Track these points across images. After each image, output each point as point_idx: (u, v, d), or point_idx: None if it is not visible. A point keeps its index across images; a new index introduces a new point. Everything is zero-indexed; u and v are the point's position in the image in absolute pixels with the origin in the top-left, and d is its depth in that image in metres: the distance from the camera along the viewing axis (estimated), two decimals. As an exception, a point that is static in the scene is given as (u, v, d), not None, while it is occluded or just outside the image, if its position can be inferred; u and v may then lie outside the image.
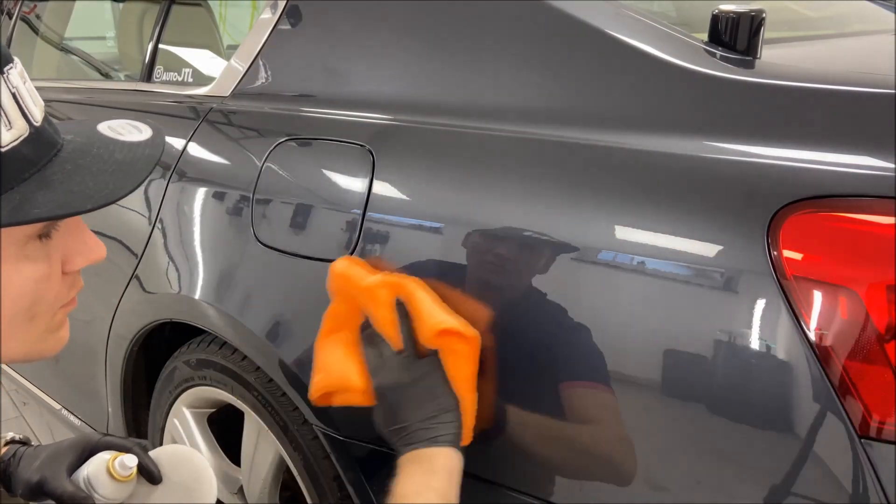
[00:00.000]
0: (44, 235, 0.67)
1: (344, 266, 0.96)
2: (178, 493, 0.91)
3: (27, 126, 0.63)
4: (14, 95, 0.62)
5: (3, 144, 0.61)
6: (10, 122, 0.61)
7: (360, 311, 0.96)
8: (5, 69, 0.62)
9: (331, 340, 0.98)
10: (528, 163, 0.92)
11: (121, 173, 0.67)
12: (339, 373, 0.94)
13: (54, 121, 0.69)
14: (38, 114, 0.65)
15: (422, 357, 0.90)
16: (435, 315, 0.88)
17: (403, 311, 0.90)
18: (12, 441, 0.98)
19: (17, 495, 0.91)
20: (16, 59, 0.66)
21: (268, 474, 1.26)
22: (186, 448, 0.99)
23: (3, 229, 0.62)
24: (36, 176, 0.63)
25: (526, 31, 0.99)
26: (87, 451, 0.91)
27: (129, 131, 0.72)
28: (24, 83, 0.65)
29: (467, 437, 0.88)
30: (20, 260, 0.66)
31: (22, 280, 0.66)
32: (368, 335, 0.95)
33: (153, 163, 0.69)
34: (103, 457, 0.88)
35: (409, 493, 0.83)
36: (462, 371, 0.88)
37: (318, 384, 0.95)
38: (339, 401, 0.95)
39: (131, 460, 0.87)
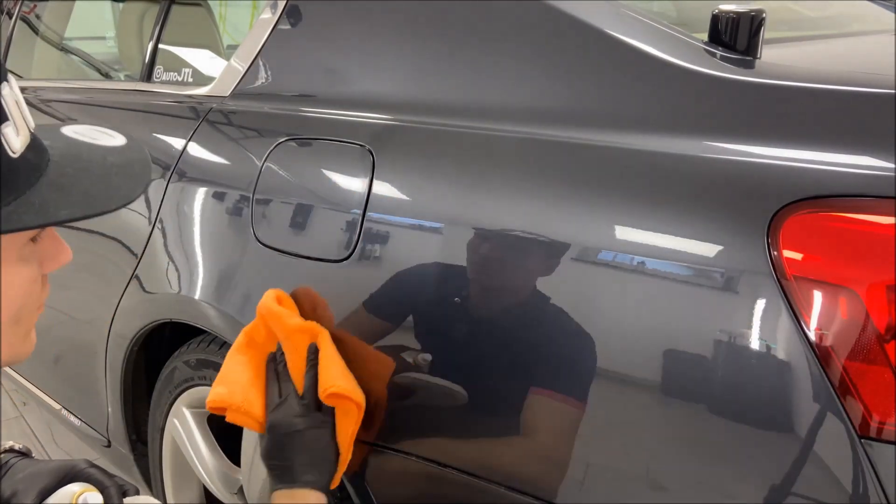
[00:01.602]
0: (35, 239, 0.68)
1: (271, 301, 1.03)
2: None
3: (29, 133, 0.64)
4: (17, 103, 0.63)
5: (16, 150, 0.62)
6: (17, 129, 0.62)
7: (276, 340, 1.04)
8: (8, 76, 0.63)
9: (242, 358, 1.04)
10: (527, 163, 0.92)
11: (125, 175, 0.68)
12: (242, 396, 1.01)
13: None
14: (31, 120, 0.66)
15: (318, 408, 0.98)
16: (331, 376, 0.96)
17: (313, 360, 0.99)
18: (10, 450, 0.98)
19: None
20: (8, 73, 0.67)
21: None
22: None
23: (4, 235, 0.62)
24: (42, 180, 0.64)
25: (526, 31, 0.99)
26: (67, 478, 0.89)
27: (102, 136, 0.74)
28: (17, 90, 0.66)
29: (335, 483, 0.99)
30: (19, 263, 0.66)
31: (20, 282, 0.67)
32: (275, 369, 1.03)
33: (148, 164, 0.71)
34: (72, 488, 0.86)
35: None
36: (345, 430, 0.97)
37: (219, 398, 1.02)
38: (231, 418, 1.02)
39: (95, 498, 0.85)
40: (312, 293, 1.05)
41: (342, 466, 0.98)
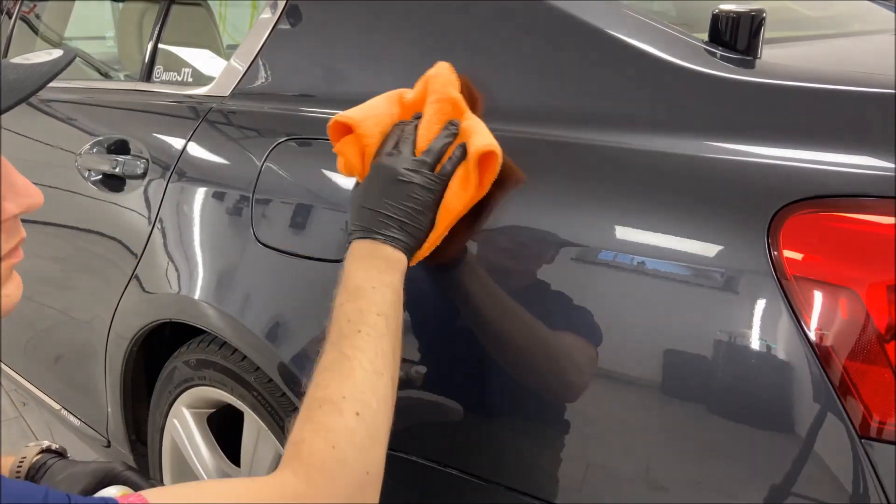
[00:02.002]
0: None
1: (447, 68, 0.95)
2: None
3: None
4: None
5: None
6: None
7: (425, 98, 0.94)
8: None
9: (385, 104, 0.95)
10: (527, 162, 0.92)
11: (8, 91, 0.63)
12: (370, 126, 0.91)
13: None
14: None
15: (432, 167, 0.88)
16: (487, 138, 0.87)
17: (451, 132, 0.89)
18: (48, 450, 0.99)
19: None
20: None
21: (268, 474, 1.26)
22: None
23: None
24: None
25: (526, 30, 0.99)
26: (106, 480, 0.91)
27: (40, 56, 0.69)
28: None
29: (418, 257, 0.90)
30: None
31: None
32: (402, 127, 0.93)
33: (45, 79, 0.65)
34: (110, 492, 0.89)
35: (367, 286, 0.83)
36: (455, 205, 0.87)
37: (347, 117, 0.92)
38: (343, 145, 0.92)
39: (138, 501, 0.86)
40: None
41: (433, 241, 0.89)
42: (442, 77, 0.94)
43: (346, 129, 0.92)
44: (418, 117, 0.94)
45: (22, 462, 0.97)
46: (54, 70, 0.66)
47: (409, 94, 0.96)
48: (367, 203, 0.87)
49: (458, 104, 0.92)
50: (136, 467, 0.93)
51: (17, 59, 0.69)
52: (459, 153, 0.88)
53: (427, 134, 0.90)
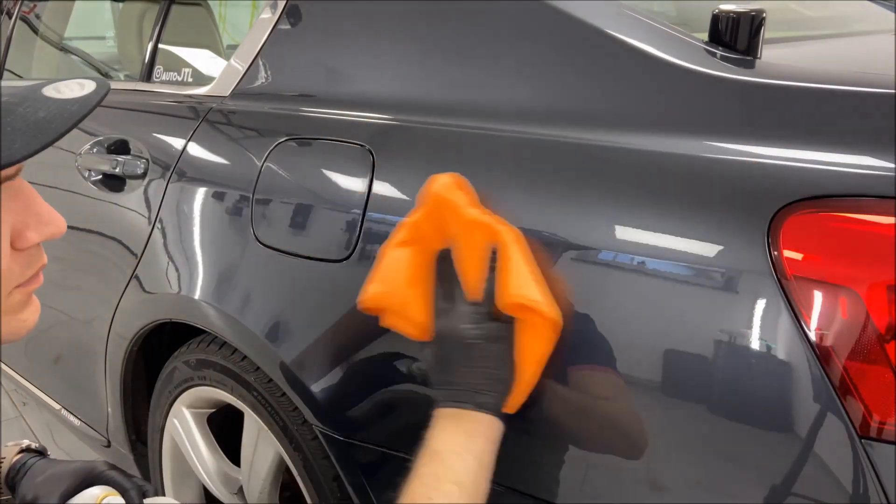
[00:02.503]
0: None
1: (447, 186, 0.86)
2: None
3: None
4: None
5: None
6: None
7: (444, 236, 0.87)
8: None
9: (401, 253, 0.88)
10: (527, 163, 0.92)
11: (35, 131, 0.60)
12: (401, 294, 0.86)
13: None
14: None
15: (495, 317, 0.82)
16: (522, 283, 0.80)
17: (492, 262, 0.82)
18: (27, 449, 0.98)
19: None
20: None
21: (267, 474, 1.26)
22: None
23: None
24: None
25: (526, 30, 0.99)
26: (88, 480, 0.89)
27: (72, 89, 0.66)
28: None
29: (513, 407, 0.83)
30: None
31: None
32: (444, 270, 0.86)
33: (74, 121, 0.62)
34: (94, 492, 0.87)
35: (447, 450, 0.78)
36: (534, 350, 0.81)
37: (375, 296, 0.87)
38: (389, 322, 0.88)
39: (117, 502, 0.85)
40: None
41: (525, 388, 0.82)
42: (451, 199, 0.85)
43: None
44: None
45: (1, 462, 0.96)
46: (83, 111, 0.63)
47: (421, 225, 0.88)
48: (444, 374, 0.83)
49: (485, 227, 0.83)
50: (118, 467, 0.91)
51: (48, 90, 0.65)
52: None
53: (470, 273, 0.83)
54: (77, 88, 0.66)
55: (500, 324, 0.82)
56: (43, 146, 0.60)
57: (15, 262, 0.65)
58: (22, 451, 0.97)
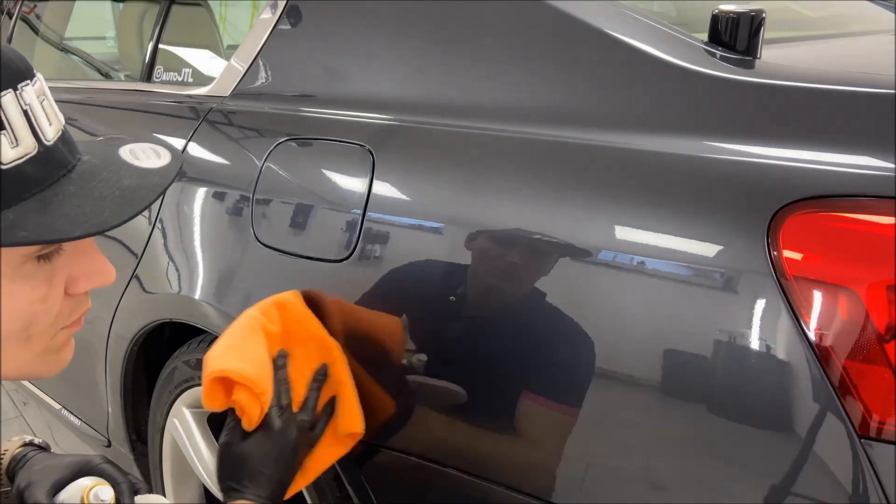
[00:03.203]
0: (43, 257, 0.65)
1: (299, 303, 1.02)
2: None
3: (35, 145, 0.61)
4: (25, 112, 0.61)
5: (3, 162, 0.59)
6: (16, 140, 0.60)
7: (285, 337, 1.00)
8: (20, 85, 0.61)
9: (259, 340, 0.97)
10: (528, 163, 0.92)
11: (121, 200, 0.65)
12: (264, 384, 0.94)
13: (73, 139, 0.67)
14: (51, 133, 0.63)
15: (310, 426, 0.97)
16: (354, 416, 0.98)
17: (320, 381, 0.99)
18: (29, 444, 0.99)
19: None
20: (38, 76, 0.64)
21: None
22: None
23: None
24: (38, 196, 0.61)
25: (526, 31, 0.99)
26: (81, 472, 0.90)
27: (148, 156, 0.70)
28: (43, 100, 0.63)
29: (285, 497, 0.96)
30: (15, 281, 0.63)
31: (16, 301, 0.64)
32: (277, 372, 0.98)
33: (157, 192, 0.67)
34: (84, 482, 0.88)
35: None
36: (328, 458, 0.99)
37: (244, 373, 0.92)
38: (240, 398, 0.93)
39: (106, 493, 0.87)
40: (324, 299, 1.03)
41: (304, 484, 0.99)
42: (300, 313, 1.01)
43: (229, 380, 0.93)
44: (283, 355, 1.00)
45: (3, 454, 0.97)
46: (165, 183, 0.68)
47: (269, 325, 0.99)
48: (264, 466, 0.93)
49: (322, 342, 1.00)
50: (114, 462, 0.92)
51: (125, 153, 0.69)
52: (329, 411, 0.99)
53: (300, 382, 0.98)
54: (154, 157, 0.70)
55: (312, 434, 0.98)
56: (130, 217, 0.64)
57: (66, 305, 0.68)
58: (24, 444, 0.98)
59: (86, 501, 0.86)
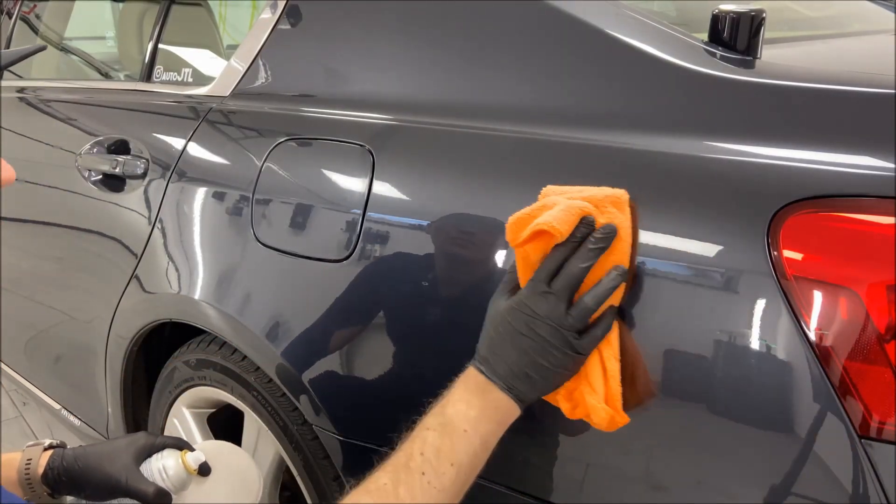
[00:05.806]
0: None
1: (626, 203, 0.78)
2: (225, 486, 1.03)
3: None
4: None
5: None
6: None
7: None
8: None
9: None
10: (527, 163, 0.92)
11: None
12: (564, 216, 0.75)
13: None
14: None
15: (577, 329, 0.76)
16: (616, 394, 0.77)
17: (613, 282, 0.76)
18: (52, 447, 1.01)
19: (66, 497, 0.97)
20: None
21: (268, 474, 1.26)
22: (229, 445, 1.10)
23: None
24: None
25: (526, 30, 0.99)
26: (147, 451, 1.01)
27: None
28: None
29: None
30: None
31: None
32: (565, 250, 0.77)
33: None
34: (174, 453, 1.01)
35: (457, 426, 0.76)
36: (597, 383, 0.78)
37: (549, 221, 0.75)
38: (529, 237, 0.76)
39: (200, 455, 1.00)
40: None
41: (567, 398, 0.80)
42: (620, 206, 0.79)
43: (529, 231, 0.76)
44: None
45: (29, 464, 0.98)
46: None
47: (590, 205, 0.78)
48: (497, 342, 0.78)
49: (628, 251, 0.77)
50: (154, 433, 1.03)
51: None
52: (608, 323, 0.77)
53: (593, 274, 0.76)
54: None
55: (581, 348, 0.76)
56: None
57: None
58: (48, 448, 1.02)
59: (187, 466, 1.00)
